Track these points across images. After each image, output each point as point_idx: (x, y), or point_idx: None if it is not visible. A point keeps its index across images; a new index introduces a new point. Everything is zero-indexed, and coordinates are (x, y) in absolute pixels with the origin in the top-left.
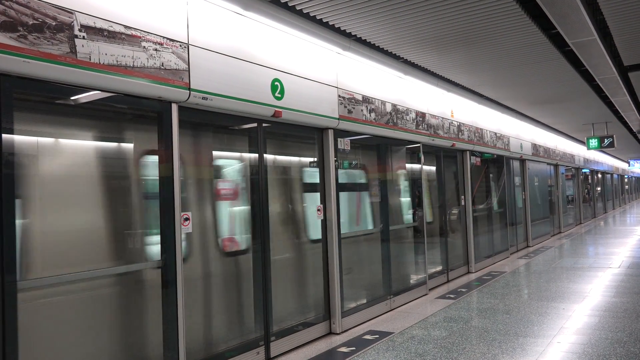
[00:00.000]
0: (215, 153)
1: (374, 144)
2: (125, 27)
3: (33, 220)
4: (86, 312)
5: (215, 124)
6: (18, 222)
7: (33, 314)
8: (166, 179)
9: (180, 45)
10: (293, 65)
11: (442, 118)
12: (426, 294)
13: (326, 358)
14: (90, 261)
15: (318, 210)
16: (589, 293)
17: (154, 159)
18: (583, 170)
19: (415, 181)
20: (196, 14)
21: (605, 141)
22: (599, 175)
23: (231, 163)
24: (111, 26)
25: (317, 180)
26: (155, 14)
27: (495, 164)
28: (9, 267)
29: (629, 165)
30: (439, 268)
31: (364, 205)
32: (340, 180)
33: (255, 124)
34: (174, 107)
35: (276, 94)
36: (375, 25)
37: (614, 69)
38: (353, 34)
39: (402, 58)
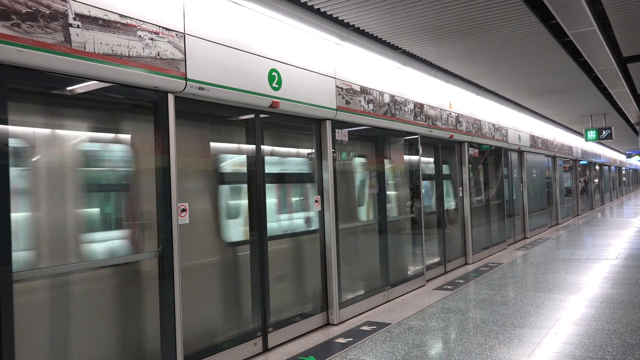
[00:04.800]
0: (212, 144)
1: (372, 135)
2: (121, 16)
3: (28, 211)
4: (84, 302)
5: (212, 114)
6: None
7: (29, 305)
8: (163, 170)
9: (177, 35)
10: (290, 56)
11: (441, 109)
12: (424, 285)
13: (324, 349)
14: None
15: (316, 201)
16: (586, 284)
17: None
18: (581, 162)
19: (413, 172)
20: (192, 3)
21: (604, 133)
22: (597, 167)
23: (228, 154)
24: (106, 15)
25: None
26: (151, 3)
27: (493, 156)
28: (3, 258)
29: (627, 157)
30: (437, 259)
31: (362, 197)
32: (338, 172)
33: (252, 115)
34: (171, 98)
35: (273, 85)
36: (374, 15)
37: (612, 60)
38: (351, 24)
39: (401, 49)
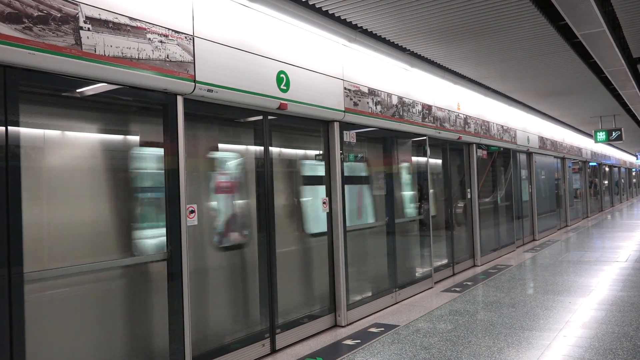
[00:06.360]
0: (220, 145)
1: (379, 136)
2: (131, 18)
3: (39, 212)
4: (93, 303)
5: (221, 116)
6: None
7: (40, 306)
8: (172, 172)
9: (186, 37)
10: (298, 58)
11: (449, 111)
12: (432, 287)
13: (331, 350)
14: (98, 253)
15: (324, 203)
16: (596, 287)
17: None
18: (590, 164)
19: (421, 174)
20: (201, 5)
21: (613, 134)
22: (606, 169)
23: (236, 155)
24: (116, 18)
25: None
26: (160, 6)
27: (501, 157)
28: (15, 258)
29: (637, 159)
30: (445, 261)
31: (369, 198)
32: (345, 173)
33: (260, 117)
34: (179, 100)
35: (282, 87)
36: (382, 17)
37: (622, 61)
38: (359, 25)
39: (409, 50)
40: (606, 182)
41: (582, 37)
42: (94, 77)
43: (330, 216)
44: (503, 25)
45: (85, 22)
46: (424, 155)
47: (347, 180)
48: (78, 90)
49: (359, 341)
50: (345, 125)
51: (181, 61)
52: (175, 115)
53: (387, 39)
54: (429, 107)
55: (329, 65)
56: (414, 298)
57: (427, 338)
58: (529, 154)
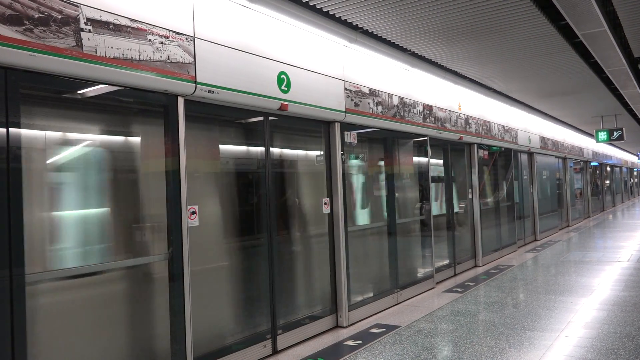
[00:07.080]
0: (221, 147)
1: (380, 137)
2: (131, 20)
3: (41, 213)
4: (94, 304)
5: (222, 117)
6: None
7: (41, 307)
8: (173, 173)
9: (186, 39)
10: (299, 59)
11: (450, 111)
12: (433, 288)
13: (333, 351)
14: (100, 254)
15: (325, 203)
16: (597, 287)
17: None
18: (591, 164)
19: (422, 174)
20: (202, 6)
21: (615, 134)
22: (608, 169)
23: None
24: (117, 19)
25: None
26: (161, 7)
27: (503, 157)
28: (17, 260)
29: (639, 158)
30: (446, 261)
31: (370, 198)
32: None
33: (261, 117)
34: (180, 101)
35: (282, 87)
36: (383, 18)
37: (623, 61)
38: (360, 26)
39: (410, 50)
40: (607, 182)
41: (583, 36)
42: (95, 79)
43: (331, 216)
44: (504, 25)
45: (86, 23)
46: (425, 155)
47: (349, 180)
48: (79, 92)
49: (360, 342)
50: (346, 126)
51: (182, 62)
52: (176, 117)
53: (387, 39)
54: (430, 108)
55: (330, 66)
56: (415, 298)
57: (428, 339)
58: (530, 154)
